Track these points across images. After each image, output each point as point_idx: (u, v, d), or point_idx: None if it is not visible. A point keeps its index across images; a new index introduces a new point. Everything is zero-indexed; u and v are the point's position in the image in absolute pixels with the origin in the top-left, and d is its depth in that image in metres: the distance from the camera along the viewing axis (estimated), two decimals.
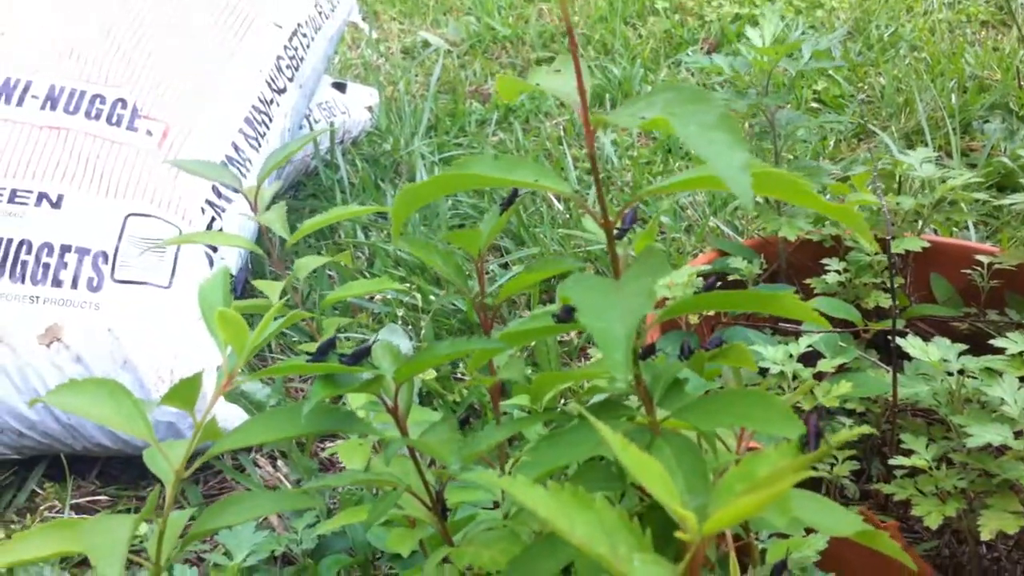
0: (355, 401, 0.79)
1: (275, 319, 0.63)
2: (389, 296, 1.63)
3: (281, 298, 0.82)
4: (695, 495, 0.51)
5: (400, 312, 1.59)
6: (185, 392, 0.56)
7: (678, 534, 0.44)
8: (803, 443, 0.50)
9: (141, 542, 1.19)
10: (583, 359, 1.55)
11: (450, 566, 0.75)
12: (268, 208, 0.89)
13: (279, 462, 1.41)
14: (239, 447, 0.60)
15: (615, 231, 0.59)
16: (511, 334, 0.60)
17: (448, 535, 0.69)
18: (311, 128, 1.94)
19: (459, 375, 1.51)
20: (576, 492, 0.50)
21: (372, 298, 1.64)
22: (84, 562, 1.23)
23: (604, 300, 0.51)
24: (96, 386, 0.63)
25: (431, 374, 1.43)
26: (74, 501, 1.32)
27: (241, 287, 0.71)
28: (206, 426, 0.64)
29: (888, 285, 1.25)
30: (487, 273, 1.68)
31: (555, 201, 1.95)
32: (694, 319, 1.16)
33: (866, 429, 0.53)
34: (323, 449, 1.41)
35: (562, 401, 1.33)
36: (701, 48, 2.73)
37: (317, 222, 0.91)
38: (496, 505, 1.03)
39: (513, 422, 0.67)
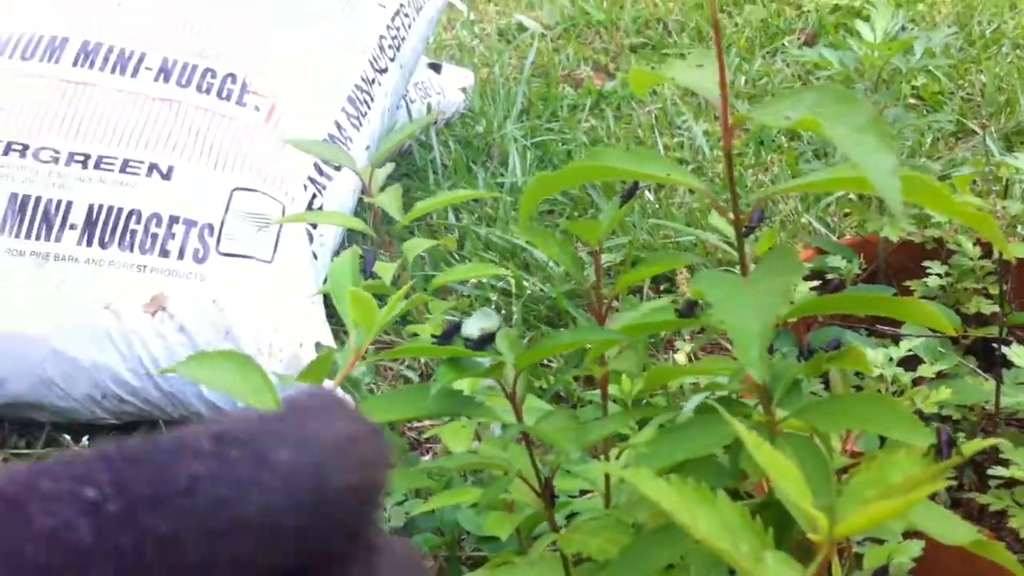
0: (463, 385, 0.81)
1: (402, 299, 0.65)
2: (482, 281, 1.65)
3: (393, 279, 0.84)
4: (819, 495, 0.52)
5: (492, 296, 1.61)
6: (318, 369, 0.58)
7: (810, 535, 0.44)
8: (936, 451, 0.50)
9: None
10: (669, 351, 1.55)
11: (553, 552, 0.76)
12: (382, 189, 0.91)
13: None
14: None
15: (745, 229, 0.60)
16: (632, 326, 0.61)
17: (554, 521, 0.71)
18: (408, 107, 1.97)
19: (545, 361, 1.52)
20: (698, 487, 0.51)
21: (465, 282, 1.66)
22: None
23: (738, 297, 0.51)
24: (224, 358, 0.65)
25: None
26: None
27: (368, 273, 0.73)
28: None
29: (990, 291, 1.23)
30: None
31: (647, 192, 1.94)
32: (791, 318, 1.15)
33: (993, 441, 0.52)
34: (411, 428, 1.44)
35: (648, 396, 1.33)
36: (797, 38, 2.70)
37: (428, 205, 0.93)
38: (581, 493, 1.04)
39: (623, 414, 0.68)
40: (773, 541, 0.55)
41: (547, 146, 2.09)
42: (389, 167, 0.95)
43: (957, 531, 0.59)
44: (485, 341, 0.60)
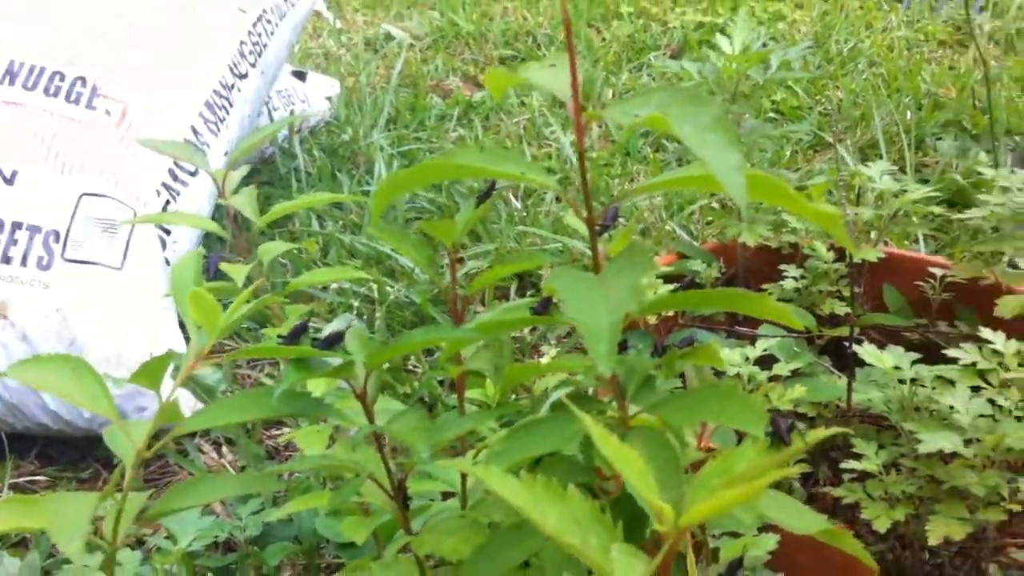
0: (314, 387, 0.79)
1: (246, 302, 0.62)
2: (344, 286, 1.62)
3: (246, 282, 0.81)
4: (668, 489, 0.52)
5: (355, 303, 1.58)
6: (153, 371, 0.55)
7: (656, 526, 0.44)
8: (775, 441, 0.51)
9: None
10: (535, 357, 1.55)
11: (407, 555, 0.74)
12: (236, 192, 0.88)
13: (224, 448, 1.39)
14: (206, 427, 0.59)
15: (598, 227, 0.59)
16: (486, 324, 0.60)
17: (408, 523, 0.69)
18: (270, 115, 1.93)
19: (410, 367, 1.50)
20: (549, 483, 0.50)
21: (326, 288, 1.63)
22: (22, 543, 1.21)
23: (589, 294, 0.51)
24: (60, 362, 0.62)
25: (384, 364, 1.43)
26: (12, 481, 1.29)
27: (212, 274, 0.70)
28: (167, 407, 0.63)
29: (843, 293, 1.26)
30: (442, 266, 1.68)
31: (513, 199, 1.95)
32: (652, 319, 1.17)
33: (841, 430, 0.53)
34: (270, 436, 1.40)
35: (513, 397, 1.33)
36: (664, 53, 2.75)
37: (287, 207, 0.90)
38: (445, 497, 1.03)
39: (480, 413, 0.67)
40: (625, 535, 0.55)
41: (414, 155, 2.08)
42: (244, 169, 0.92)
43: (807, 521, 0.60)
44: (333, 341, 0.58)
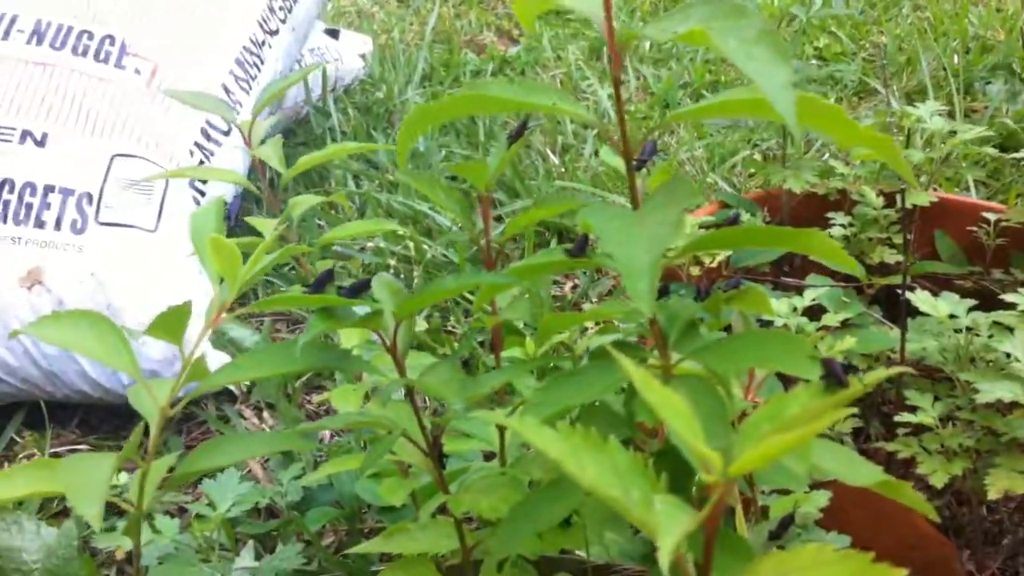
0: (347, 341, 0.76)
1: (268, 253, 0.60)
2: (380, 245, 1.59)
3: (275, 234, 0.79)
4: (714, 438, 0.48)
5: (392, 262, 1.56)
6: (172, 323, 0.53)
7: (703, 476, 0.41)
8: (829, 385, 0.47)
9: (120, 492, 1.17)
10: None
11: (444, 516, 0.72)
12: (263, 142, 0.85)
13: (265, 413, 1.38)
14: (230, 383, 0.57)
15: (636, 162, 0.56)
16: (521, 268, 0.57)
17: (444, 482, 0.66)
18: None
19: (449, 327, 1.48)
20: (588, 433, 0.47)
21: (363, 248, 1.61)
22: (64, 512, 1.21)
23: (627, 229, 0.48)
24: (79, 318, 0.60)
25: (422, 325, 1.40)
26: (54, 450, 1.29)
27: (234, 221, 0.67)
28: (193, 365, 0.61)
29: (893, 241, 1.22)
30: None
31: (551, 155, 1.91)
32: (695, 271, 1.13)
33: (903, 369, 0.50)
34: (310, 401, 1.38)
35: (554, 354, 1.30)
36: None
37: (314, 158, 0.87)
38: (487, 458, 1.00)
39: (516, 365, 0.64)
40: (670, 489, 0.52)
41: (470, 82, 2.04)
42: (272, 119, 0.90)
43: (862, 472, 0.56)
44: (360, 288, 0.56)
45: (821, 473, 0.59)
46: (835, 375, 0.47)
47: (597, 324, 1.21)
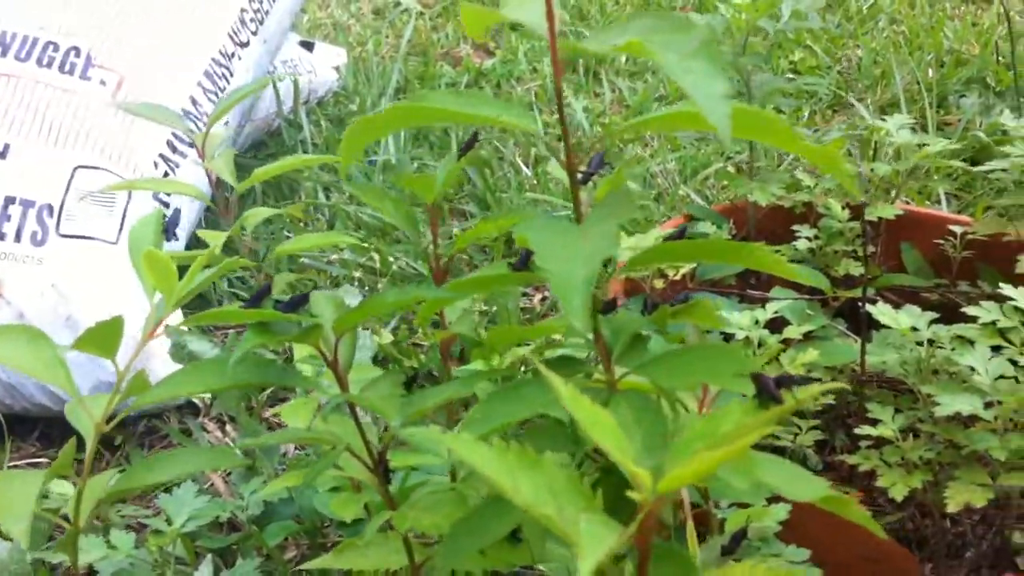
0: (300, 356, 0.75)
1: (209, 267, 0.59)
2: (347, 257, 1.58)
3: (224, 249, 0.78)
4: (653, 455, 0.48)
5: (357, 274, 1.55)
6: (103, 337, 0.52)
7: (630, 493, 0.40)
8: (764, 401, 0.47)
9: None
10: None
11: (392, 531, 0.71)
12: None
13: (228, 427, 1.37)
14: (164, 399, 0.56)
15: (581, 175, 0.55)
16: (462, 283, 0.56)
17: (390, 499, 0.65)
18: (275, 86, 1.89)
19: (417, 341, 1.47)
20: (522, 451, 0.47)
21: (330, 260, 1.60)
22: None
23: (564, 242, 0.47)
24: (15, 332, 0.59)
25: (387, 338, 1.39)
26: (12, 463, 1.27)
27: (172, 232, 0.66)
28: (134, 380, 0.60)
29: (859, 253, 1.22)
30: (450, 237, 1.64)
31: (523, 166, 1.90)
32: (659, 284, 1.12)
33: (837, 385, 0.49)
34: (276, 415, 1.37)
35: (522, 369, 1.29)
36: (682, 12, 2.69)
37: (269, 170, 0.87)
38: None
39: (463, 380, 0.63)
40: (612, 507, 0.51)
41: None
42: (226, 130, 0.89)
43: (808, 487, 0.56)
44: (297, 303, 0.55)
45: (766, 488, 0.58)
46: (767, 391, 0.46)
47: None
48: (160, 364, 1.25)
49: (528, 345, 0.95)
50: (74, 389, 0.56)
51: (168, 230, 0.68)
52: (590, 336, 0.52)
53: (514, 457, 0.46)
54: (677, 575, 0.49)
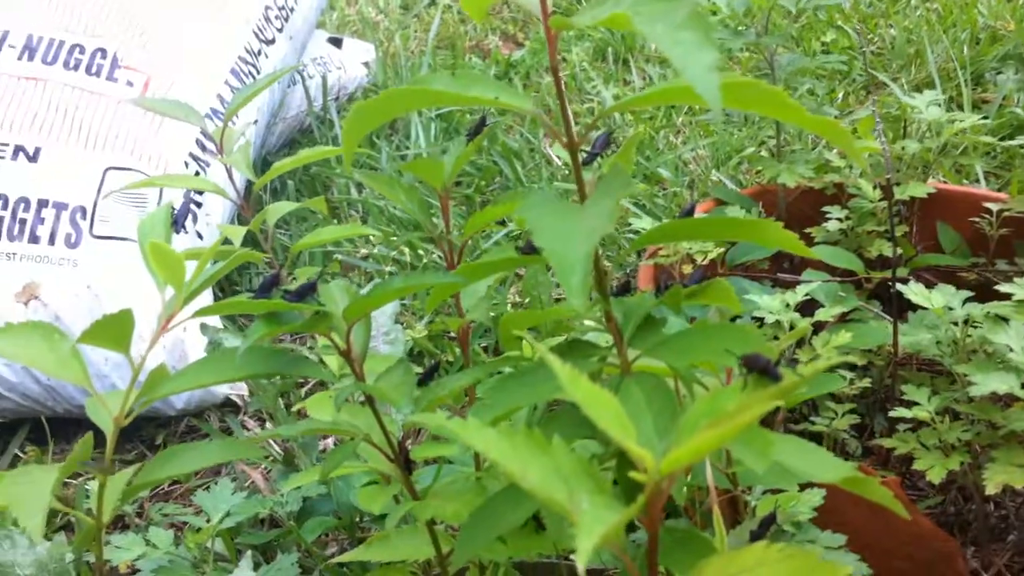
0: (325, 349, 0.75)
1: (220, 259, 0.59)
2: (379, 252, 1.58)
3: (245, 244, 0.78)
4: (664, 436, 0.47)
5: (389, 268, 1.55)
6: (113, 330, 0.52)
7: (633, 474, 0.39)
8: (756, 374, 0.46)
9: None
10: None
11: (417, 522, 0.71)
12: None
13: (268, 424, 1.37)
14: (181, 390, 0.56)
15: (585, 155, 0.55)
16: (470, 267, 0.56)
17: (412, 489, 0.65)
18: (304, 84, 1.89)
19: (453, 335, 1.46)
20: (531, 435, 0.46)
21: (363, 256, 1.60)
22: (67, 527, 1.20)
23: (563, 222, 0.46)
24: (31, 329, 0.59)
25: (421, 332, 1.39)
26: (55, 463, 1.28)
27: (181, 224, 0.66)
28: (153, 373, 0.60)
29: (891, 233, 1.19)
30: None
31: (554, 157, 1.89)
32: (688, 269, 1.11)
33: (830, 362, 0.48)
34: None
35: None
36: None
37: (287, 163, 0.86)
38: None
39: (476, 368, 0.63)
40: (627, 491, 0.50)
41: (452, 116, 2.03)
42: (248, 123, 0.89)
43: (828, 469, 0.55)
44: (304, 292, 0.55)
45: (790, 472, 0.57)
46: (765, 371, 0.45)
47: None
48: (192, 346, 1.26)
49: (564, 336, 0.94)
50: (89, 383, 0.56)
51: (177, 222, 0.68)
52: (588, 313, 0.52)
53: (522, 441, 0.46)
54: (690, 557, 0.48)
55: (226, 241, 0.77)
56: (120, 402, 0.57)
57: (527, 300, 1.52)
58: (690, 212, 0.58)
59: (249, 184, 1.56)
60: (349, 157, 0.55)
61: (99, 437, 1.33)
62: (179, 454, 0.59)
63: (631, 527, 0.78)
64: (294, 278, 0.87)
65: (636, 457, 0.40)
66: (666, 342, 0.54)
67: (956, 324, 0.95)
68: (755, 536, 0.73)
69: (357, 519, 1.13)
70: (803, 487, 0.84)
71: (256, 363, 0.55)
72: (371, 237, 1.61)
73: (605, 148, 0.57)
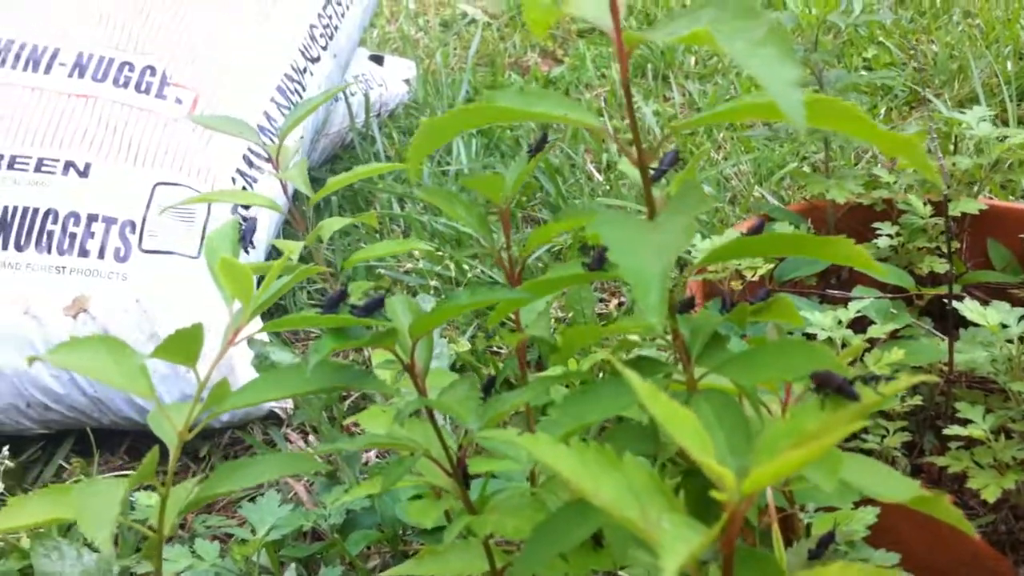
0: (380, 364, 0.76)
1: (283, 276, 0.59)
2: (423, 267, 1.59)
3: (303, 260, 0.79)
4: (738, 456, 0.47)
5: (433, 283, 1.55)
6: (184, 344, 0.52)
7: (713, 493, 0.39)
8: (830, 392, 0.45)
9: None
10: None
11: (473, 538, 0.70)
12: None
13: (311, 437, 1.38)
14: (245, 405, 0.57)
15: (653, 171, 0.55)
16: (537, 284, 0.56)
17: (470, 503, 0.65)
18: (347, 100, 1.91)
19: (495, 348, 1.46)
20: (603, 450, 0.46)
21: (406, 271, 1.60)
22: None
23: (638, 237, 0.46)
24: (97, 343, 0.60)
25: (465, 346, 1.39)
26: (101, 476, 1.30)
27: (250, 238, 0.67)
28: (216, 388, 0.60)
29: (943, 250, 1.18)
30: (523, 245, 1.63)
31: (595, 172, 1.89)
32: (737, 285, 1.11)
33: (921, 378, 0.47)
34: (356, 423, 1.38)
35: (599, 374, 1.28)
36: None
37: (341, 179, 0.87)
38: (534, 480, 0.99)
39: (540, 383, 0.63)
40: (695, 509, 0.50)
41: (493, 133, 2.04)
42: (301, 143, 0.89)
43: (897, 488, 0.54)
44: (373, 307, 0.55)
45: (853, 491, 0.57)
46: (841, 389, 0.45)
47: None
48: (243, 375, 1.26)
49: (605, 350, 0.94)
50: (155, 397, 0.57)
51: (244, 238, 0.69)
52: (665, 331, 0.51)
53: (594, 457, 0.46)
54: None
55: (280, 256, 0.78)
56: (184, 415, 0.58)
57: (570, 315, 1.52)
58: (759, 230, 0.57)
59: (296, 196, 1.57)
60: (415, 172, 0.55)
61: (136, 453, 1.35)
62: (240, 468, 0.60)
63: None
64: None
65: (716, 476, 0.39)
66: (733, 360, 0.54)
67: (1011, 342, 0.94)
68: (813, 555, 0.72)
69: (400, 532, 1.13)
70: (856, 505, 0.83)
71: (324, 377, 0.55)
72: (416, 252, 1.61)
73: (673, 165, 0.57)
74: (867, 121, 0.46)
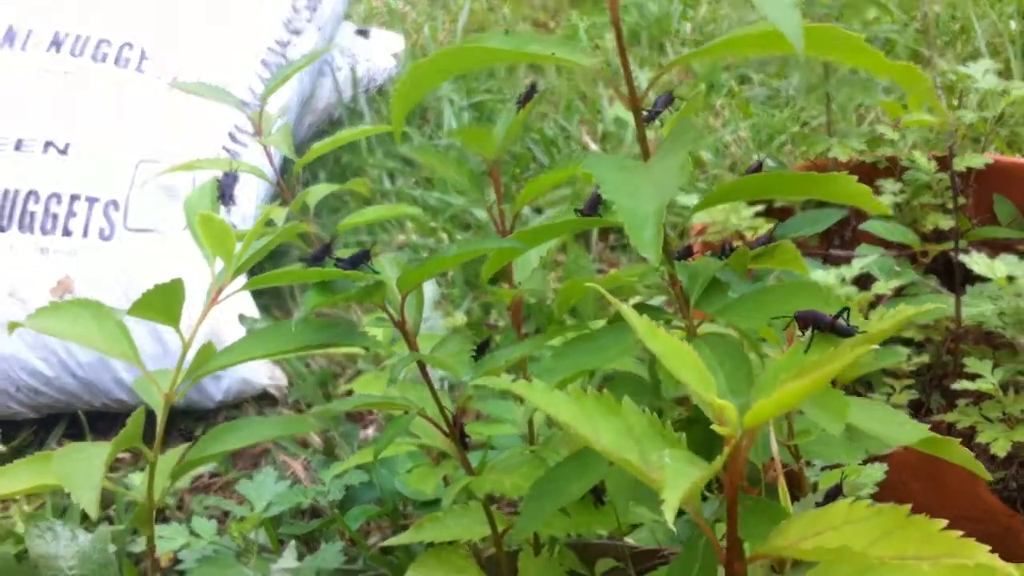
0: (369, 324, 0.74)
1: (265, 235, 0.57)
2: (415, 241, 1.57)
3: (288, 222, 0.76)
4: (738, 396, 0.45)
5: (426, 255, 1.53)
6: (162, 300, 0.50)
7: (715, 427, 0.37)
8: (813, 329, 0.44)
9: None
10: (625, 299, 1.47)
11: (473, 502, 0.69)
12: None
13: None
14: (231, 364, 0.55)
15: (647, 113, 0.53)
16: (528, 232, 0.54)
17: (468, 463, 0.63)
18: (333, 75, 1.88)
19: (492, 322, 1.44)
20: (601, 397, 0.44)
21: (399, 245, 1.58)
22: (108, 518, 1.20)
23: (631, 177, 0.44)
24: (78, 307, 0.58)
25: (461, 319, 1.37)
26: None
27: (230, 195, 0.65)
28: (202, 349, 0.58)
29: (948, 206, 1.16)
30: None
31: (591, 143, 1.87)
32: (738, 243, 1.08)
33: (928, 307, 0.45)
34: (350, 391, 1.36)
35: None
36: None
37: (327, 143, 0.85)
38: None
39: (535, 339, 0.61)
40: (696, 453, 0.48)
41: (484, 106, 2.01)
42: (283, 103, 0.87)
43: (906, 431, 0.52)
44: (358, 260, 0.53)
45: (860, 444, 0.55)
46: (835, 328, 0.43)
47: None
48: (230, 341, 1.25)
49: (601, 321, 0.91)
50: (139, 360, 0.55)
51: (224, 194, 0.67)
52: (662, 269, 0.50)
53: (592, 403, 0.44)
54: (767, 523, 0.46)
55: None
56: (170, 379, 0.56)
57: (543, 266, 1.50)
58: (757, 169, 0.55)
59: (283, 171, 1.55)
60: (399, 122, 0.53)
61: (145, 433, 1.33)
62: (232, 430, 0.58)
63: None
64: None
65: (717, 410, 0.37)
66: (732, 304, 0.52)
67: (1019, 295, 0.92)
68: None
69: (400, 506, 1.11)
70: (864, 462, 0.82)
71: (309, 334, 0.53)
72: (409, 224, 1.59)
73: (668, 106, 0.55)
74: (863, 46, 0.44)
